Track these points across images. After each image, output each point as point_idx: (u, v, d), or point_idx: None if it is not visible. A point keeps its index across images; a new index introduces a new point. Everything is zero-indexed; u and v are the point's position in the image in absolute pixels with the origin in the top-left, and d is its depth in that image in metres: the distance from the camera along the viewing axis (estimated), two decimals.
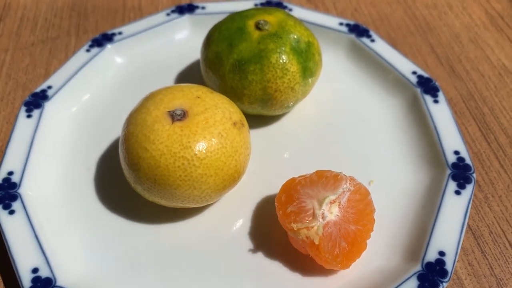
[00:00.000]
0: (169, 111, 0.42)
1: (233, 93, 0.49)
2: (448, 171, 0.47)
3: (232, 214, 0.46)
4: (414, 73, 0.56)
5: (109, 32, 0.60)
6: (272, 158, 0.51)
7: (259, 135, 0.53)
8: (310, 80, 0.50)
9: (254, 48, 0.47)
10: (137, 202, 0.47)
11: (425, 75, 0.56)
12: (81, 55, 0.57)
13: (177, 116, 0.41)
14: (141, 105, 0.44)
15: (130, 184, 0.44)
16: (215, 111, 0.43)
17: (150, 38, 0.60)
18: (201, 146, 0.40)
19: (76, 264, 0.43)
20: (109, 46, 0.58)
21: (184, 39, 0.62)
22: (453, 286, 0.43)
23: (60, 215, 0.46)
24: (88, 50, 0.57)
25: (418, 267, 0.41)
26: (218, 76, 0.49)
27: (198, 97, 0.43)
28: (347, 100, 0.56)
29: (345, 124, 0.54)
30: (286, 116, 0.54)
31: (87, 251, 0.44)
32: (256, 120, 0.53)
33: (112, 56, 0.58)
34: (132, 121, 0.43)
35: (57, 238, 0.43)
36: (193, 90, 0.44)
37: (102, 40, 0.58)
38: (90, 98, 0.55)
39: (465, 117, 0.57)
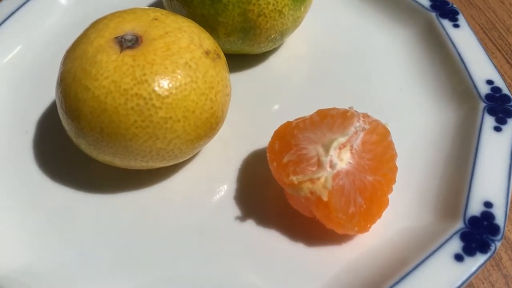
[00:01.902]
0: (116, 37, 0.31)
1: (205, 23, 0.38)
2: (482, 105, 0.38)
3: (212, 175, 0.37)
4: None
5: None
6: (259, 105, 0.42)
7: (241, 79, 0.43)
8: (302, 4, 0.40)
9: None
10: (88, 166, 0.37)
11: None
12: None
13: (127, 42, 0.31)
14: (81, 35, 0.33)
15: (72, 141, 0.33)
16: (179, 36, 0.32)
17: None
18: (161, 80, 0.30)
19: (9, 251, 0.32)
20: None
21: None
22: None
23: None
24: None
25: (459, 224, 0.32)
26: (183, 2, 0.39)
27: (156, 19, 0.32)
28: (347, 33, 0.47)
29: (346, 61, 0.44)
30: (274, 54, 0.45)
31: (26, 234, 0.34)
32: (237, 60, 0.43)
33: None
34: (69, 56, 0.32)
35: None
36: (149, 12, 0.33)
37: None
38: (27, 46, 0.45)
39: (488, 48, 0.49)
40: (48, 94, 0.41)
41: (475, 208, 0.32)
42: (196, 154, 0.37)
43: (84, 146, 0.32)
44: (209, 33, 0.36)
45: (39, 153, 0.38)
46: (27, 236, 0.34)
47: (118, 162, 0.32)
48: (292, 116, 0.36)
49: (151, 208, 0.35)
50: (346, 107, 0.34)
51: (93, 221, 0.34)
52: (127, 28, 0.32)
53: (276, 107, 0.41)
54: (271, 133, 0.34)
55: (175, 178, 0.37)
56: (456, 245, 0.31)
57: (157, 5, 0.48)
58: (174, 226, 0.34)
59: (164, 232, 0.34)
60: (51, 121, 0.39)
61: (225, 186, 0.36)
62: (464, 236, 0.31)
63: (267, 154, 0.33)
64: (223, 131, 0.37)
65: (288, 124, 0.34)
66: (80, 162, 0.37)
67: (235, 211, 0.35)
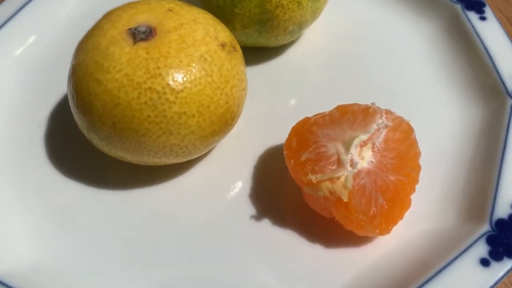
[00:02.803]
0: (129, 29, 0.30)
1: (221, 15, 0.37)
2: (510, 101, 0.36)
3: (227, 172, 0.36)
4: None
5: None
6: (276, 100, 0.40)
7: (258, 72, 0.42)
8: None
9: None
10: (100, 161, 0.36)
11: None
12: None
13: (140, 34, 0.30)
14: (94, 27, 0.32)
15: (84, 135, 0.32)
16: (195, 27, 0.31)
17: None
18: (176, 74, 0.29)
19: (18, 246, 0.32)
20: None
21: None
22: None
23: (1, 185, 0.35)
24: None
25: (485, 227, 0.30)
26: None
27: (170, 10, 0.31)
28: (368, 25, 0.45)
29: (367, 55, 0.43)
30: (292, 47, 0.44)
31: (36, 229, 0.33)
32: (253, 54, 0.42)
33: None
34: (82, 48, 0.31)
35: None
36: (163, 3, 0.32)
37: None
38: (40, 37, 0.44)
39: None
40: (60, 86, 0.40)
41: (502, 210, 0.31)
42: (211, 150, 0.36)
43: (96, 141, 0.31)
44: (225, 25, 0.35)
45: (50, 148, 0.37)
46: (37, 231, 0.33)
47: (131, 158, 0.32)
48: (310, 111, 0.34)
49: (163, 205, 0.34)
50: (368, 103, 0.33)
51: (105, 218, 0.34)
52: (141, 19, 0.31)
53: (293, 101, 0.40)
54: (288, 129, 0.33)
55: (188, 174, 0.35)
56: (482, 249, 0.29)
57: None
58: (188, 224, 0.33)
59: (177, 230, 0.33)
60: (64, 114, 0.39)
61: (240, 184, 0.35)
62: (491, 240, 0.30)
63: (284, 152, 0.32)
64: (239, 127, 0.36)
65: (306, 120, 0.33)
66: (92, 157, 0.36)
67: (251, 209, 0.33)
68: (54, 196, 0.35)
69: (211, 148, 0.34)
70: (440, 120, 0.38)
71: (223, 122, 0.32)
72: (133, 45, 0.29)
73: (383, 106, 0.33)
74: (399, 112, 0.33)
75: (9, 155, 0.37)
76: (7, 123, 0.38)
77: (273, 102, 0.40)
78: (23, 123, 0.38)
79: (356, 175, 0.29)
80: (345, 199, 0.29)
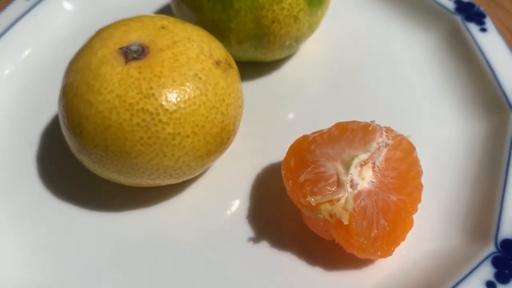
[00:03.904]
0: (121, 47, 0.29)
1: (216, 30, 0.36)
2: None
3: (223, 192, 0.35)
4: None
5: None
6: (273, 116, 0.39)
7: (254, 88, 0.41)
8: (318, 9, 0.37)
9: None
10: (93, 182, 0.35)
11: None
12: (20, 3, 0.44)
13: (132, 53, 0.29)
14: (85, 45, 0.31)
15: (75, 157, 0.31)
16: (188, 45, 0.30)
17: None
18: (169, 94, 0.28)
19: (11, 267, 0.31)
20: None
21: None
22: None
23: None
24: None
25: (490, 248, 0.30)
26: (193, 8, 0.37)
27: (163, 28, 0.30)
28: (365, 38, 0.44)
29: (365, 68, 0.42)
30: (288, 62, 0.43)
31: (28, 252, 0.32)
32: (249, 68, 0.41)
33: (60, 2, 0.45)
34: (72, 68, 0.30)
35: None
36: (156, 20, 0.31)
37: None
38: (30, 56, 0.43)
39: None
40: (52, 105, 0.39)
41: (508, 230, 0.30)
42: (206, 168, 0.35)
43: (88, 163, 0.30)
44: (220, 40, 0.34)
45: (42, 168, 0.36)
46: (29, 252, 0.32)
47: (124, 180, 0.31)
48: (308, 128, 0.33)
49: (158, 226, 0.33)
50: (367, 118, 0.32)
51: (98, 239, 0.33)
52: (133, 37, 0.30)
53: (291, 117, 0.39)
54: (286, 146, 0.32)
55: (183, 194, 0.34)
56: (487, 271, 0.28)
57: (166, 10, 0.46)
58: (183, 245, 0.32)
59: (172, 252, 0.32)
60: (56, 133, 0.37)
61: (237, 204, 0.34)
62: (496, 261, 0.29)
63: (282, 172, 0.31)
64: (235, 144, 0.35)
65: (304, 139, 0.32)
66: (85, 177, 0.35)
67: (248, 231, 0.32)
68: (45, 217, 0.34)
69: (206, 168, 0.33)
70: (441, 135, 0.37)
71: (219, 142, 0.31)
72: (125, 64, 0.28)
73: (382, 120, 0.32)
74: (399, 126, 0.33)
75: (1, 175, 0.36)
76: None
77: (270, 118, 0.39)
78: (15, 142, 0.38)
79: (357, 197, 0.28)
80: (346, 222, 0.28)
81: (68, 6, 0.46)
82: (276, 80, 0.41)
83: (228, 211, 0.34)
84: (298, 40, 0.38)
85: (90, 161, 0.30)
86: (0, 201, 0.34)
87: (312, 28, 0.39)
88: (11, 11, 0.44)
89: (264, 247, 0.32)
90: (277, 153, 0.35)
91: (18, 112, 0.39)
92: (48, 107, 0.39)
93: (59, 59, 0.42)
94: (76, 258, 0.32)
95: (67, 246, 0.33)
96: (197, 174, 0.33)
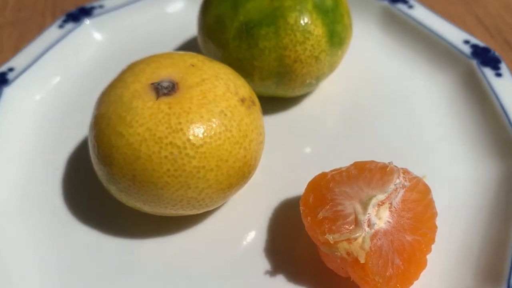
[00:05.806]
0: (152, 83, 0.31)
1: (240, 67, 0.38)
2: None
3: (241, 224, 0.36)
4: (466, 42, 0.45)
5: (88, 5, 0.49)
6: (292, 150, 0.40)
7: (274, 122, 0.42)
8: (339, 49, 0.39)
9: (266, 6, 0.36)
10: (116, 209, 0.36)
11: (481, 44, 0.44)
12: (53, 32, 0.46)
13: (163, 89, 0.30)
14: (117, 79, 0.33)
15: (103, 185, 0.33)
16: (216, 83, 0.31)
17: (137, 11, 0.50)
18: (196, 129, 0.29)
19: None
20: (87, 21, 0.48)
21: (178, 12, 0.51)
22: None
23: (16, 229, 0.35)
24: (61, 26, 0.47)
25: None
26: (219, 45, 0.38)
27: (193, 65, 0.32)
28: (384, 78, 0.45)
29: (383, 107, 0.43)
30: (308, 98, 0.44)
31: (47, 278, 0.33)
32: (271, 103, 0.42)
33: (90, 33, 0.48)
34: (104, 100, 0.32)
35: (11, 259, 0.33)
36: (186, 58, 0.33)
37: (79, 14, 0.48)
38: (60, 83, 0.45)
39: None
40: (79, 132, 0.41)
41: None
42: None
43: (114, 191, 0.32)
44: (243, 76, 0.36)
45: (67, 192, 0.37)
46: (51, 276, 0.33)
47: (148, 209, 0.32)
48: (325, 163, 0.34)
49: (176, 255, 0.34)
50: (383, 158, 0.33)
51: (118, 265, 0.33)
52: (164, 74, 0.31)
53: (308, 151, 0.40)
54: (303, 180, 0.33)
55: (203, 225, 0.35)
56: None
57: (192, 46, 0.48)
58: (200, 276, 0.33)
59: (189, 282, 0.33)
60: (82, 159, 0.39)
61: (255, 237, 0.35)
62: None
63: (301, 208, 0.32)
64: (255, 177, 0.36)
65: (323, 176, 0.33)
66: (109, 204, 0.36)
67: (265, 264, 0.33)
68: (68, 241, 0.35)
69: (227, 200, 0.34)
70: (456, 176, 0.38)
71: (240, 176, 0.32)
72: (156, 99, 0.30)
73: (397, 159, 0.33)
74: (414, 166, 0.33)
75: (26, 198, 0.37)
76: (25, 166, 0.39)
77: (289, 152, 0.40)
78: (42, 166, 0.39)
79: (374, 236, 0.29)
80: (362, 261, 0.28)
81: (98, 36, 0.48)
82: (295, 115, 0.43)
83: (245, 243, 0.34)
84: (319, 78, 0.40)
85: (117, 189, 0.31)
86: (25, 224, 0.35)
87: (332, 67, 0.40)
88: (44, 38, 0.46)
89: (280, 281, 0.32)
90: (295, 187, 0.36)
91: (46, 137, 0.41)
92: (76, 133, 0.41)
93: (87, 87, 0.44)
94: (95, 284, 0.33)
95: (86, 271, 0.33)
96: (218, 205, 0.34)
